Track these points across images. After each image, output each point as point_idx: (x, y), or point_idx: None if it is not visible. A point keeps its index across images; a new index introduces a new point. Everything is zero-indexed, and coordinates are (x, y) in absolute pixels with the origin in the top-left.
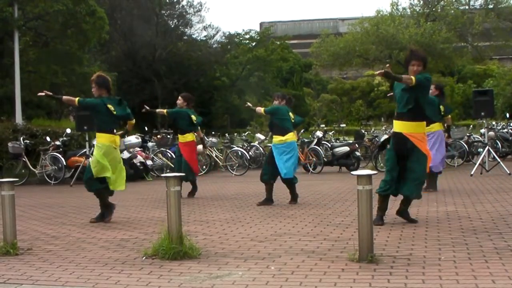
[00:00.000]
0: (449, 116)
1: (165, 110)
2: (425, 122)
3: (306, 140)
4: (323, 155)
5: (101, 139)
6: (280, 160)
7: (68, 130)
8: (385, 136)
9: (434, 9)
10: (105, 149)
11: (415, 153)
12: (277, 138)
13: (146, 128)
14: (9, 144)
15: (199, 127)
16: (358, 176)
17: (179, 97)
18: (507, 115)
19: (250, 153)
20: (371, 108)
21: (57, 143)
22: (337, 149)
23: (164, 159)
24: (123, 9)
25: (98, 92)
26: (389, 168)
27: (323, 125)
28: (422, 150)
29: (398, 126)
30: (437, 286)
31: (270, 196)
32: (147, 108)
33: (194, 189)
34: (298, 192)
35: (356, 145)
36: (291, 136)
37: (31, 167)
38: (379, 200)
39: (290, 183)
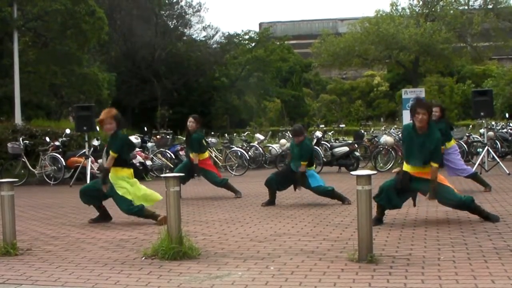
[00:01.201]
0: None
1: (195, 158)
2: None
3: None
4: (322, 155)
5: (125, 173)
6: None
7: (68, 131)
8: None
9: (433, 9)
10: (132, 180)
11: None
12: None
13: (145, 129)
14: (9, 145)
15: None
16: (358, 176)
17: (192, 120)
18: (507, 115)
19: (249, 153)
20: (371, 108)
21: (57, 143)
22: (336, 149)
23: (163, 159)
24: (122, 10)
25: (117, 128)
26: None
27: (323, 125)
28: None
29: (407, 168)
30: (437, 286)
31: (272, 199)
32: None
33: (233, 190)
34: (299, 192)
35: (356, 145)
36: None
37: (30, 167)
38: (376, 205)
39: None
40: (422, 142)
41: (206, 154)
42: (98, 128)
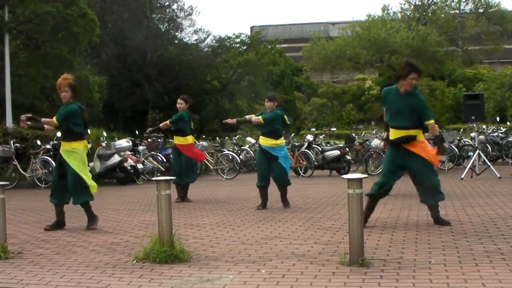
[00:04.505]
0: None
1: (168, 122)
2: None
3: (296, 143)
4: (313, 159)
5: (80, 145)
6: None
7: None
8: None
9: (424, 13)
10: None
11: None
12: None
13: (136, 132)
14: None
15: None
16: (349, 179)
17: (181, 100)
18: (498, 118)
19: (240, 156)
20: (362, 112)
21: (48, 146)
22: (327, 153)
23: (154, 162)
24: (113, 13)
25: (74, 97)
26: None
27: (314, 129)
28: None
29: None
30: None
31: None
32: (150, 129)
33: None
34: (289, 195)
35: (347, 148)
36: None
37: (21, 170)
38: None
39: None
40: (407, 102)
41: (192, 139)
42: (89, 131)
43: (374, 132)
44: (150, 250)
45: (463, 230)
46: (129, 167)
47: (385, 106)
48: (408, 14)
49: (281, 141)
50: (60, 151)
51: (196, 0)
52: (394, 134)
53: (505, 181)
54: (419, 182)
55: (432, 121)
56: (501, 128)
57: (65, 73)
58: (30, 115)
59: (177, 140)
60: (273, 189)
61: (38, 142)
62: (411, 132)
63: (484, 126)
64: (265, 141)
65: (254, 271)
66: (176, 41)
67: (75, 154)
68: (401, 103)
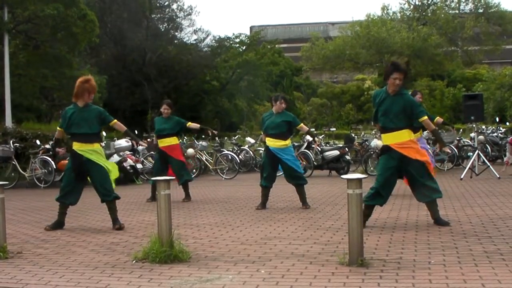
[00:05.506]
0: None
1: (197, 124)
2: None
3: (296, 144)
4: (313, 159)
5: (99, 145)
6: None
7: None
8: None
9: (424, 13)
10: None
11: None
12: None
13: (136, 132)
14: None
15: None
16: (348, 180)
17: (167, 106)
18: (497, 119)
19: (240, 156)
20: (361, 112)
21: (47, 146)
22: (327, 153)
23: None
24: (113, 13)
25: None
26: None
27: (313, 129)
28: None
29: (386, 139)
30: None
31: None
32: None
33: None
34: (289, 195)
35: (346, 149)
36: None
37: (20, 170)
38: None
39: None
40: (395, 101)
41: (177, 140)
42: None
43: (374, 132)
44: (150, 250)
45: (463, 231)
46: (128, 167)
47: (374, 108)
48: (408, 14)
49: (289, 142)
50: (80, 153)
51: (195, 0)
52: (385, 138)
53: (504, 182)
54: (415, 184)
55: (426, 117)
56: (501, 128)
57: (87, 75)
58: None
59: (165, 142)
60: (273, 189)
61: (38, 142)
62: (401, 133)
63: (483, 127)
64: (273, 143)
65: (253, 271)
66: (175, 41)
67: (98, 153)
68: (390, 103)
